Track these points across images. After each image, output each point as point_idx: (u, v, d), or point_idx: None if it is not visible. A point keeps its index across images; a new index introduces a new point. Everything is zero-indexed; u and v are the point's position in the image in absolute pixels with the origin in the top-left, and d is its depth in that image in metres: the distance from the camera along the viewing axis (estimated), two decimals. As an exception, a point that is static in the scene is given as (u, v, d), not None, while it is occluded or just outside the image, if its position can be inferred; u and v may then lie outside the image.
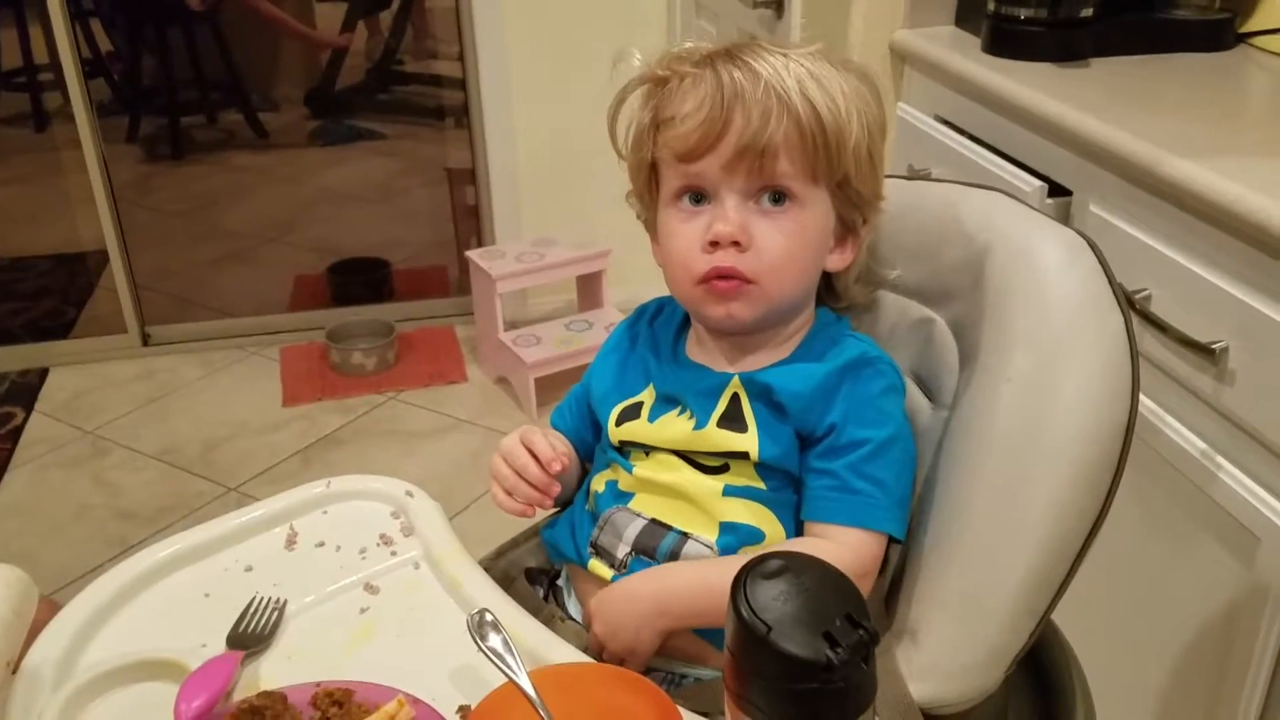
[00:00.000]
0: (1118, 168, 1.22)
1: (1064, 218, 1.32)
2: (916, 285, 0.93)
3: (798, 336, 0.90)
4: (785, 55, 0.83)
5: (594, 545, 0.90)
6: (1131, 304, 1.15)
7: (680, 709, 0.72)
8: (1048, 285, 0.83)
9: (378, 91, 3.81)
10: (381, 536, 0.95)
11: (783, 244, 0.83)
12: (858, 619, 0.56)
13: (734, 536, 0.85)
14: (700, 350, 0.92)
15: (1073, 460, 0.79)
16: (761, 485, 0.86)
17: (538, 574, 0.99)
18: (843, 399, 0.84)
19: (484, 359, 2.87)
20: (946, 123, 1.56)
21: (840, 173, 0.84)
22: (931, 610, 0.84)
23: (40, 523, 2.32)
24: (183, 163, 3.66)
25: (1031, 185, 1.32)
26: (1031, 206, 0.91)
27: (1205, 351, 1.09)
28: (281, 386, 2.82)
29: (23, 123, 3.71)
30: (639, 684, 0.74)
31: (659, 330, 0.96)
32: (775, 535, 0.86)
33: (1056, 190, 1.33)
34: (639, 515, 0.89)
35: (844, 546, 0.82)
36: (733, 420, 0.86)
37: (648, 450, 0.90)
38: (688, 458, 0.88)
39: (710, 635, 0.86)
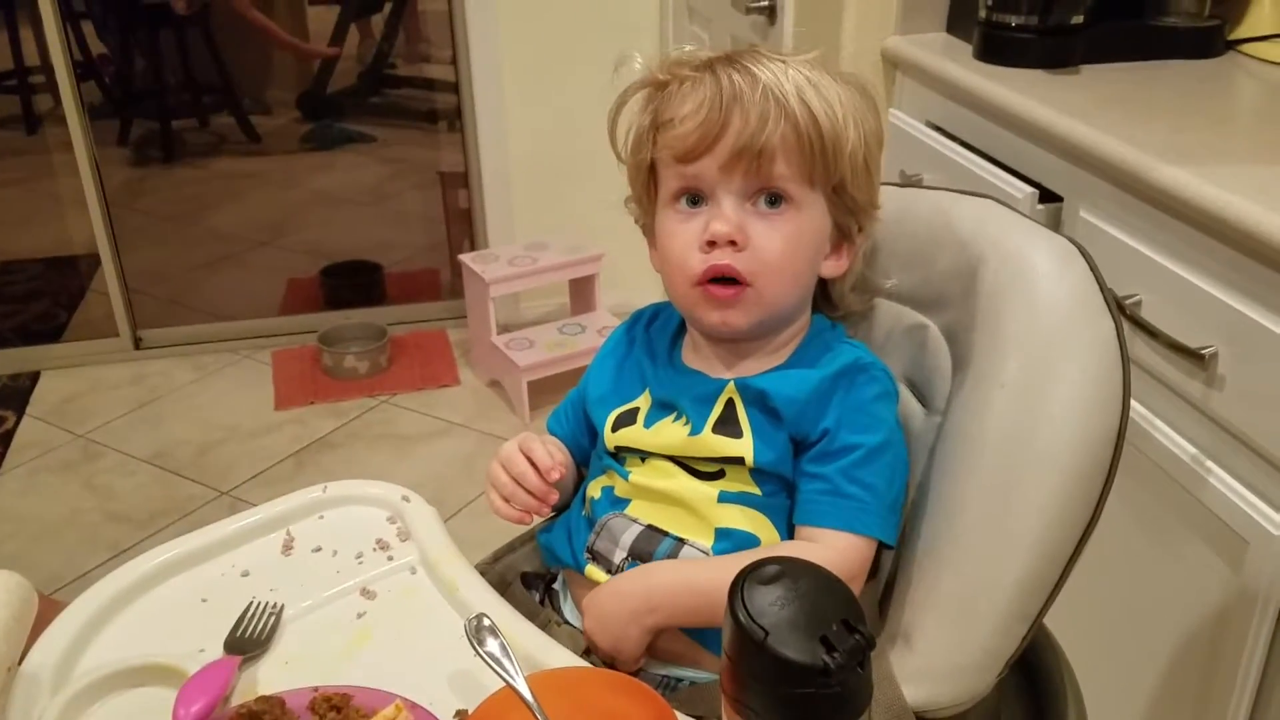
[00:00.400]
0: (1108, 174, 1.23)
1: (1055, 223, 1.33)
2: (910, 292, 0.94)
3: (793, 343, 0.91)
4: (784, 62, 0.84)
5: (590, 551, 0.91)
6: (1122, 309, 1.16)
7: (676, 713, 0.73)
8: (1039, 292, 0.83)
9: (370, 95, 3.81)
10: (378, 541, 0.95)
11: (779, 245, 0.84)
12: (854, 624, 0.57)
13: (729, 542, 0.86)
14: (696, 356, 0.93)
15: (1065, 465, 0.80)
16: (757, 491, 0.86)
17: (534, 578, 0.99)
18: (836, 405, 0.85)
19: (476, 362, 2.87)
20: (938, 129, 1.57)
21: (837, 177, 0.85)
22: (925, 614, 0.84)
23: (32, 527, 2.31)
24: (174, 166, 3.65)
25: (1023, 191, 1.33)
26: (1023, 214, 0.91)
27: (1195, 356, 1.10)
28: (274, 390, 2.82)
29: (13, 125, 3.69)
30: (636, 688, 0.75)
31: (655, 336, 0.96)
32: (770, 541, 0.86)
33: (1047, 196, 1.34)
34: (635, 521, 0.89)
35: (833, 550, 0.83)
36: (728, 426, 0.87)
37: (644, 456, 0.90)
38: (683, 464, 0.89)
39: (704, 638, 0.86)
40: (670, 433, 0.89)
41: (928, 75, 1.61)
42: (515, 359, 2.59)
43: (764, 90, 0.81)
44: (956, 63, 1.55)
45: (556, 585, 0.97)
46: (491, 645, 0.75)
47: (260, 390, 2.82)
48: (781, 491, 0.87)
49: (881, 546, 0.86)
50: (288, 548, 0.95)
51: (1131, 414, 0.83)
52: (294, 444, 2.59)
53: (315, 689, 0.77)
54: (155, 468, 2.51)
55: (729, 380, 0.88)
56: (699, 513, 0.87)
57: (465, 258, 2.73)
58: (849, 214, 0.88)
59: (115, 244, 2.92)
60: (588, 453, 0.98)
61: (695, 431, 0.87)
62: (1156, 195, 1.15)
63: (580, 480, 0.98)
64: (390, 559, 0.93)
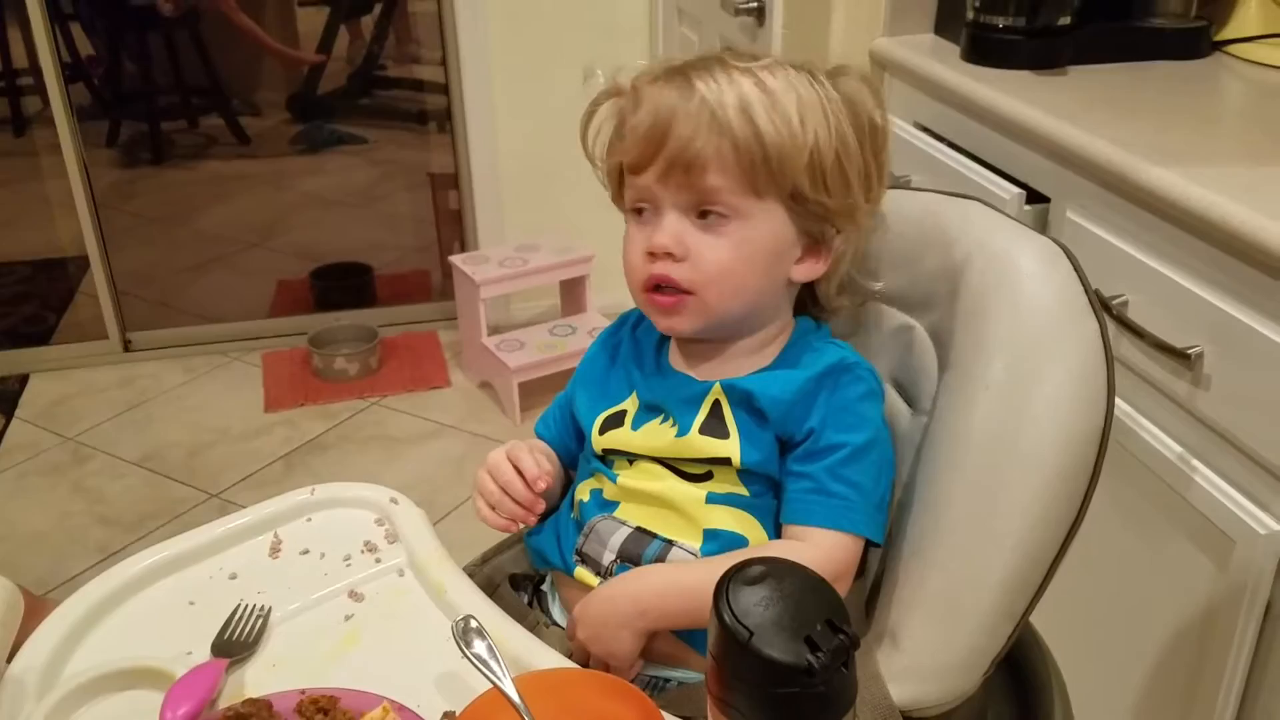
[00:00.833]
0: (1095, 175, 1.23)
1: (1042, 224, 1.34)
2: (896, 293, 0.94)
3: (777, 344, 0.91)
4: (745, 70, 0.84)
5: (579, 553, 0.91)
6: (1108, 309, 1.17)
7: (664, 713, 0.73)
8: (1024, 293, 0.84)
9: (360, 96, 3.80)
10: (366, 544, 0.95)
11: (719, 256, 0.85)
12: (838, 624, 0.57)
13: (718, 543, 0.86)
14: (682, 358, 0.93)
15: (1049, 464, 0.81)
16: (744, 491, 0.87)
17: (522, 580, 0.99)
18: (821, 404, 0.86)
19: (467, 364, 2.87)
20: (926, 130, 1.58)
21: (789, 187, 0.84)
22: (911, 613, 0.85)
23: (20, 530, 2.31)
24: (163, 167, 3.64)
25: (1010, 192, 1.34)
26: (1009, 215, 0.92)
27: (1181, 356, 1.10)
28: (264, 392, 2.81)
29: (1, 127, 3.68)
30: (623, 689, 0.75)
31: (642, 338, 0.96)
32: (759, 541, 0.87)
33: (1035, 197, 1.34)
34: (624, 523, 0.90)
35: (819, 548, 0.83)
36: (714, 427, 0.87)
37: (631, 459, 0.91)
38: (671, 466, 0.89)
39: (692, 639, 0.87)
40: (657, 434, 0.89)
41: (915, 76, 1.61)
42: (506, 360, 2.59)
43: (699, 103, 0.82)
44: (944, 64, 1.55)
45: (545, 587, 0.97)
46: (479, 647, 0.75)
47: (250, 392, 2.82)
48: (769, 492, 0.87)
49: (869, 545, 0.86)
50: (275, 550, 0.94)
51: (1118, 413, 0.84)
52: (284, 446, 2.58)
53: (303, 691, 0.77)
54: (145, 470, 2.51)
55: (715, 382, 0.89)
56: (687, 514, 0.87)
57: (456, 259, 2.73)
58: (818, 220, 0.87)
59: (104, 246, 2.91)
60: (576, 456, 0.98)
61: (682, 433, 0.88)
62: (1143, 196, 1.15)
63: (568, 484, 0.99)
64: (378, 561, 0.93)
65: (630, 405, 0.92)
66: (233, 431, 2.64)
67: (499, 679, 0.73)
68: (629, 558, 0.88)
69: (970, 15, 1.55)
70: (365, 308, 3.20)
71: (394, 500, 0.98)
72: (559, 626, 0.92)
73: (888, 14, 1.71)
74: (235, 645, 0.83)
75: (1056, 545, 0.82)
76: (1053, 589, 0.85)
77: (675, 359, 0.94)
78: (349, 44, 3.82)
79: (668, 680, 0.88)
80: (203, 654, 0.82)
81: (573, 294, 2.83)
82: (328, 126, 3.72)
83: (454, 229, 3.15)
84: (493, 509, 0.92)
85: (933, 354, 0.90)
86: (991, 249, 0.87)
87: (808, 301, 0.94)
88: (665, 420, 0.90)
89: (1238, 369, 1.05)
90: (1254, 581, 1.06)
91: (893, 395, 0.93)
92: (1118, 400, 0.84)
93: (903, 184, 1.55)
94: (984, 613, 0.82)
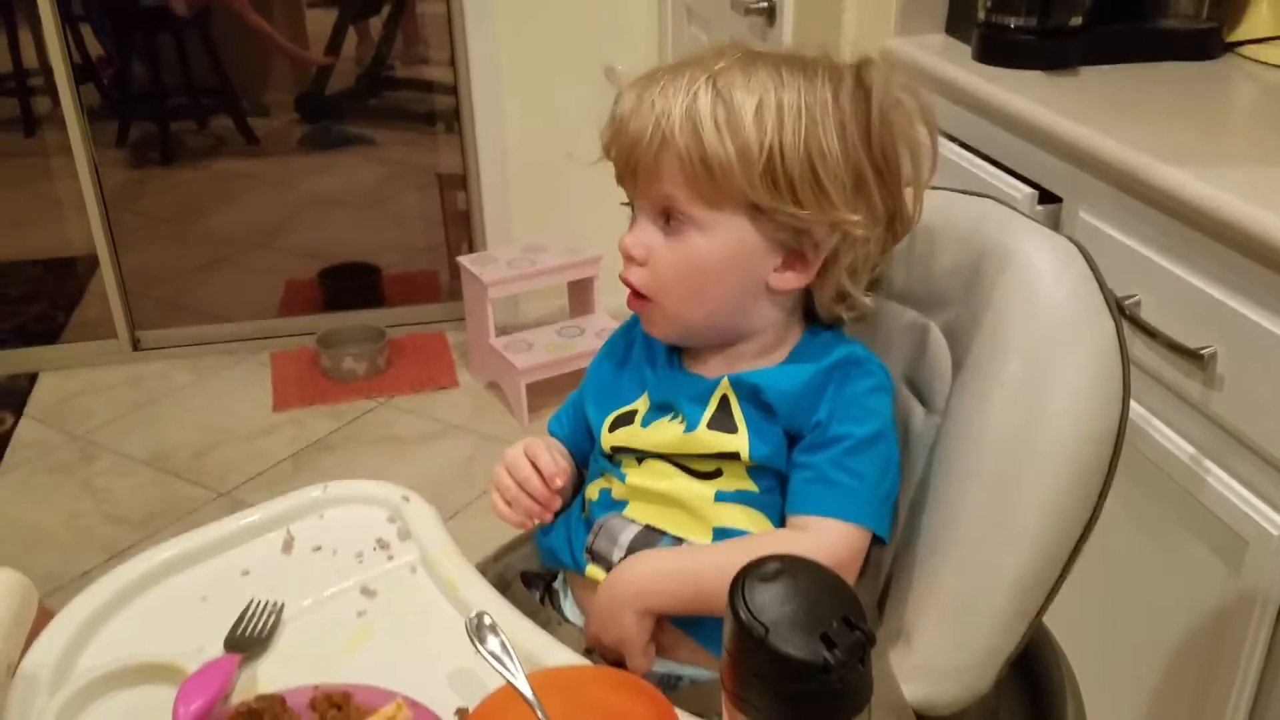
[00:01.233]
0: (1107, 175, 1.23)
1: (1054, 224, 1.33)
2: (909, 291, 0.94)
3: (786, 347, 0.91)
4: (717, 72, 0.82)
5: (590, 551, 0.91)
6: (1121, 310, 1.16)
7: (677, 710, 0.73)
8: (1040, 291, 0.83)
9: (368, 97, 3.81)
10: (378, 540, 0.95)
11: (674, 263, 0.85)
12: (855, 621, 0.57)
13: (727, 542, 0.86)
14: (693, 358, 0.93)
15: (1064, 464, 0.80)
16: (754, 488, 0.86)
17: (534, 578, 0.99)
18: (830, 397, 0.85)
19: (475, 364, 2.87)
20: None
21: (740, 199, 0.82)
22: (924, 612, 0.85)
23: (29, 528, 2.31)
24: (172, 168, 3.65)
25: (1022, 192, 1.34)
26: (1023, 213, 0.92)
27: (1193, 357, 1.10)
28: (272, 391, 2.82)
29: (12, 127, 3.70)
30: (636, 686, 0.75)
31: (654, 338, 0.96)
32: (769, 539, 0.86)
33: (1047, 197, 1.34)
34: (633, 522, 0.90)
35: (820, 537, 0.82)
36: (723, 421, 0.87)
37: (640, 457, 0.90)
38: (680, 464, 0.89)
39: (705, 637, 0.86)
40: (666, 431, 0.89)
41: (927, 77, 1.61)
42: (514, 361, 2.59)
43: (648, 111, 0.83)
44: (956, 64, 1.55)
45: (556, 584, 0.97)
46: (492, 643, 0.75)
47: (258, 392, 2.82)
48: (777, 489, 0.87)
49: (877, 543, 0.86)
50: (288, 547, 0.95)
51: (1130, 414, 0.83)
52: (292, 445, 2.59)
53: (316, 687, 0.77)
54: (153, 469, 2.51)
55: (723, 377, 0.88)
56: (697, 513, 0.87)
57: (464, 260, 2.73)
58: (791, 233, 0.84)
59: (113, 245, 2.92)
60: (588, 454, 0.98)
61: (690, 428, 0.87)
62: (1155, 196, 1.15)
63: (581, 482, 0.98)
64: (390, 558, 0.93)
65: (641, 405, 0.92)
66: (241, 431, 2.65)
67: (513, 675, 0.72)
68: (639, 555, 0.88)
69: (982, 15, 1.55)
70: (373, 308, 3.21)
71: (406, 498, 0.98)
72: (572, 624, 0.92)
73: (899, 14, 1.71)
74: (248, 641, 0.83)
75: (1071, 544, 0.82)
76: (1065, 589, 0.84)
77: (687, 359, 0.94)
78: (357, 45, 3.83)
79: (680, 678, 0.88)
80: (215, 650, 0.82)
81: (581, 295, 2.83)
82: (336, 127, 3.73)
83: (462, 230, 3.15)
84: (509, 505, 0.92)
85: (947, 352, 0.90)
86: (1007, 247, 0.86)
87: (812, 308, 0.93)
88: (674, 417, 0.89)
89: (1250, 369, 1.05)
90: (1266, 582, 1.05)
91: (906, 394, 0.92)
92: (1130, 401, 0.84)
93: (913, 184, 1.55)
94: (998, 612, 0.82)
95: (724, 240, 0.84)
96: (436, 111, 3.47)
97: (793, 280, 0.87)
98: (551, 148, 2.85)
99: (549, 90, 2.82)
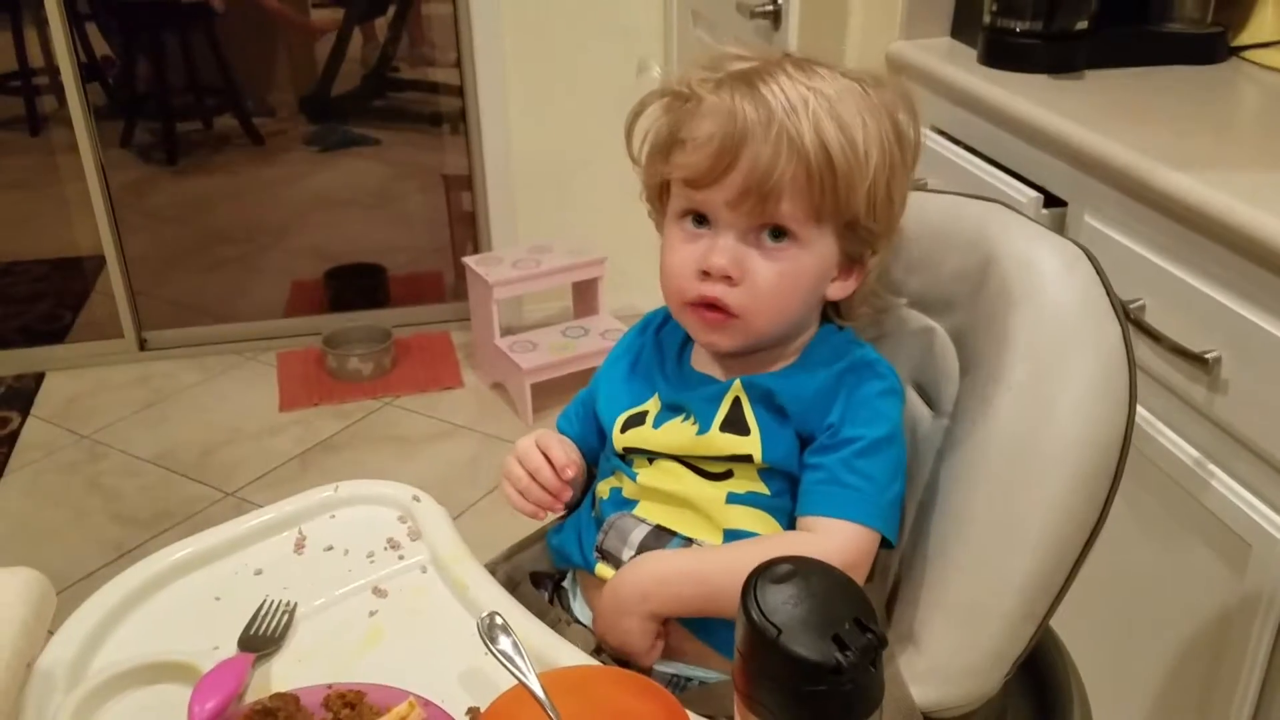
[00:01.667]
0: (1112, 179, 1.24)
1: (1059, 228, 1.34)
2: (917, 295, 0.94)
3: (799, 345, 0.91)
4: (809, 85, 0.81)
5: (600, 550, 0.92)
6: (1127, 314, 1.17)
7: (687, 711, 0.73)
8: (1046, 295, 0.84)
9: (374, 97, 3.82)
10: (389, 540, 0.96)
11: (774, 282, 0.84)
12: (866, 623, 0.57)
13: (738, 544, 0.87)
14: (705, 360, 0.93)
15: (1071, 467, 0.81)
16: (765, 490, 0.87)
17: (543, 578, 1.00)
18: (842, 400, 0.86)
19: (480, 365, 2.88)
20: (943, 134, 1.58)
21: (849, 215, 0.84)
22: (933, 615, 0.85)
23: (36, 527, 2.32)
24: (179, 168, 3.66)
25: (1027, 196, 1.34)
26: (1029, 217, 0.92)
27: (1198, 361, 1.10)
28: (278, 392, 2.82)
29: (18, 126, 3.70)
30: (647, 687, 0.75)
31: (665, 340, 0.97)
32: (778, 541, 0.87)
33: (1052, 201, 1.35)
34: (643, 521, 0.90)
35: (828, 538, 0.82)
36: (735, 424, 0.88)
37: (651, 457, 0.91)
38: (691, 464, 0.89)
39: (714, 639, 0.87)
40: (679, 433, 0.90)
41: (932, 80, 1.61)
42: (519, 361, 2.60)
43: (779, 128, 0.79)
44: (961, 68, 1.56)
45: (566, 584, 0.98)
46: (504, 643, 0.76)
47: (265, 392, 2.83)
48: (788, 492, 0.87)
49: (884, 546, 0.86)
50: (300, 547, 0.95)
51: (1136, 417, 0.84)
52: (298, 445, 2.60)
53: (329, 686, 0.78)
54: (160, 469, 2.52)
55: (735, 379, 0.89)
56: (707, 514, 0.88)
57: (469, 260, 2.74)
58: (862, 243, 0.87)
59: (120, 245, 2.93)
60: (597, 453, 0.99)
61: (703, 430, 0.88)
62: (1160, 200, 1.15)
63: (591, 480, 0.99)
64: (401, 558, 0.94)
65: (652, 406, 0.93)
66: (247, 431, 2.66)
67: (524, 675, 0.73)
68: (649, 555, 0.89)
69: (987, 19, 1.55)
70: (379, 308, 3.22)
71: (416, 498, 0.99)
72: (581, 624, 0.92)
73: (904, 17, 1.71)
74: (261, 640, 0.84)
75: (1078, 547, 0.82)
76: (1071, 592, 0.85)
77: (698, 360, 0.94)
78: (363, 45, 3.84)
79: (689, 679, 0.89)
80: (229, 649, 0.83)
81: (585, 296, 2.83)
82: (342, 128, 3.73)
83: (467, 230, 3.16)
84: (521, 494, 0.93)
85: (954, 356, 0.90)
86: (1013, 251, 0.87)
87: (828, 308, 0.94)
88: (687, 419, 0.90)
89: (1255, 374, 1.06)
90: (1270, 586, 1.06)
91: (914, 398, 0.93)
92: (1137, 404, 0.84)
93: (920, 186, 1.56)
94: (1006, 614, 0.82)
95: (819, 255, 0.85)
96: (442, 112, 3.47)
97: (844, 289, 0.89)
98: (557, 149, 2.86)
99: (555, 91, 2.82)
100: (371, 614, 0.88)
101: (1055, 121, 1.32)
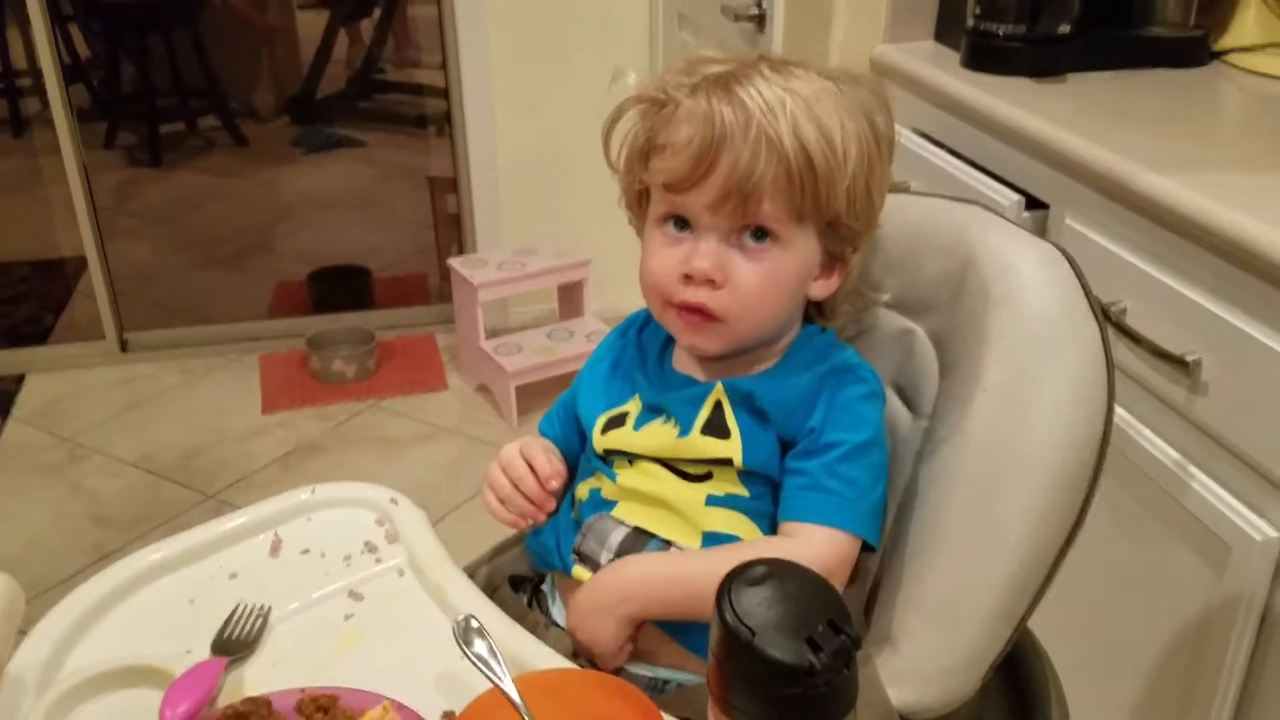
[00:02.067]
0: (1094, 182, 1.24)
1: (1041, 231, 1.34)
2: (897, 297, 0.94)
3: (781, 347, 0.91)
4: (785, 86, 0.81)
5: (577, 552, 0.91)
6: (1107, 316, 1.17)
7: (665, 715, 0.73)
8: (1025, 297, 0.84)
9: (359, 99, 3.82)
10: (366, 543, 0.95)
11: (756, 283, 0.84)
12: (840, 625, 0.57)
13: (716, 546, 0.86)
14: (687, 362, 0.93)
15: (1049, 469, 0.81)
16: (744, 493, 0.87)
17: (522, 581, 0.99)
18: (823, 404, 0.86)
19: (465, 367, 2.87)
20: (926, 136, 1.58)
21: (830, 214, 0.83)
22: (910, 616, 0.85)
23: (16, 530, 2.30)
24: (162, 169, 3.65)
25: (1009, 199, 1.34)
26: (1010, 220, 0.92)
27: (1179, 363, 1.10)
28: (261, 393, 2.81)
29: (0, 128, 3.69)
30: (624, 690, 0.75)
31: (647, 342, 0.97)
32: (757, 544, 0.87)
33: (1034, 203, 1.35)
34: (622, 523, 0.90)
35: (810, 544, 0.82)
36: (716, 427, 0.87)
37: (631, 459, 0.91)
38: (671, 466, 0.89)
39: (690, 642, 0.87)
40: (659, 435, 0.89)
41: (916, 83, 1.62)
42: (503, 364, 2.59)
43: (757, 130, 0.79)
44: (944, 71, 1.56)
45: (544, 588, 0.97)
46: (479, 647, 0.75)
47: (247, 394, 2.81)
48: (768, 495, 0.87)
49: (866, 549, 0.86)
50: (275, 549, 0.95)
51: (1116, 419, 0.84)
52: (281, 448, 2.58)
53: (302, 690, 0.77)
54: (141, 471, 2.50)
55: (717, 382, 0.89)
56: (686, 516, 0.87)
57: (454, 262, 2.74)
58: (843, 242, 0.87)
59: (102, 247, 2.91)
60: (578, 455, 0.99)
61: (684, 433, 0.88)
62: (1142, 203, 1.16)
63: (570, 483, 0.99)
64: (378, 561, 0.93)
65: (633, 407, 0.93)
66: (230, 433, 2.64)
67: (499, 679, 0.73)
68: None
69: (970, 23, 1.55)
70: (363, 310, 3.21)
71: (394, 500, 0.98)
72: (559, 627, 0.92)
73: (888, 21, 1.72)
74: (235, 644, 0.83)
75: (1056, 548, 0.82)
76: (1050, 594, 0.85)
77: (679, 361, 0.94)
78: (349, 47, 3.83)
79: (666, 682, 0.88)
80: (202, 653, 0.82)
81: (570, 298, 2.83)
82: (326, 129, 3.73)
83: (452, 232, 3.16)
84: (502, 503, 0.92)
85: (934, 358, 0.90)
86: (992, 253, 0.87)
87: (810, 308, 0.94)
88: (667, 420, 0.90)
89: (1235, 376, 1.06)
90: (1250, 587, 1.06)
91: (894, 400, 0.93)
92: (1115, 406, 0.84)
93: (902, 189, 1.56)
94: (983, 616, 0.82)
95: (801, 255, 0.85)
96: (427, 114, 3.47)
97: (826, 287, 0.89)
98: (542, 151, 2.86)
99: (540, 94, 2.82)
100: (348, 617, 0.88)
101: (1037, 124, 1.33)
